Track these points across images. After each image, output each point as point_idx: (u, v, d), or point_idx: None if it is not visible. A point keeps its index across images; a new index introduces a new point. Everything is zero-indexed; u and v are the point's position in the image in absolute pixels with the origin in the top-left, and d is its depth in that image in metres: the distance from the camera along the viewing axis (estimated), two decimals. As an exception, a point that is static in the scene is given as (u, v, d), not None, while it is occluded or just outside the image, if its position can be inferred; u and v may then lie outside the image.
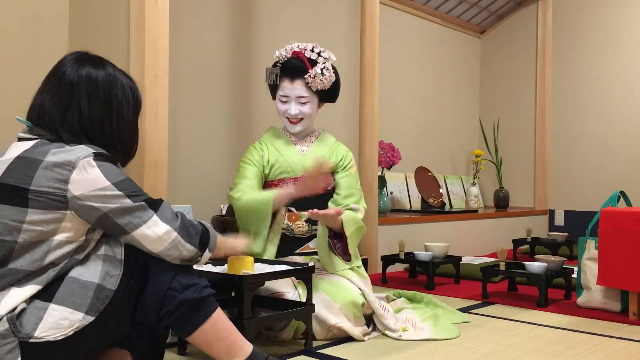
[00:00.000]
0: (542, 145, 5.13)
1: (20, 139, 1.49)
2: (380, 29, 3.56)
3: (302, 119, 2.41)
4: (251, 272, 1.86)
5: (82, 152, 1.40)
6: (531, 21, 5.24)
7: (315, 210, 2.13)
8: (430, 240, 3.75)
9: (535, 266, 2.78)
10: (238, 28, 3.33)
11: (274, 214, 2.28)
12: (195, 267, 1.61)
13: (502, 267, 2.90)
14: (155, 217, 1.45)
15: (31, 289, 1.35)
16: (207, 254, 1.55)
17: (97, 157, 1.42)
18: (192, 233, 1.50)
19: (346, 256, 2.32)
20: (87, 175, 1.39)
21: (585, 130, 4.93)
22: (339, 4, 3.98)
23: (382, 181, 4.03)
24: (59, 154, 1.40)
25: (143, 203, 1.44)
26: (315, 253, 2.38)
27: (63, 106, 1.47)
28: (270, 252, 2.28)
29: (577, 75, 4.99)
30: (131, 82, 1.60)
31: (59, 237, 1.38)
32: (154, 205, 1.46)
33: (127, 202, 1.42)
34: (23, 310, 1.33)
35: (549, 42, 5.13)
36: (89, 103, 1.49)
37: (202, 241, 1.52)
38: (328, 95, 2.45)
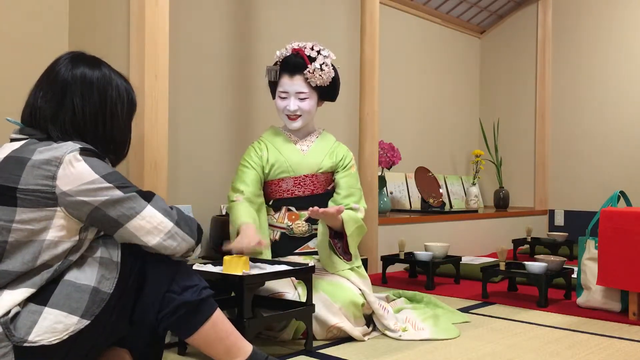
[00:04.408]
0: (542, 145, 5.13)
1: (12, 140, 1.48)
2: (380, 29, 3.56)
3: (300, 115, 2.41)
4: (251, 272, 1.86)
5: (68, 148, 1.39)
6: (531, 21, 5.24)
7: (315, 208, 2.13)
8: (430, 240, 3.75)
9: (535, 266, 2.78)
10: (238, 28, 3.33)
11: None
12: (195, 267, 1.61)
13: (502, 267, 2.90)
14: (149, 207, 1.43)
15: (24, 291, 1.34)
16: (198, 249, 1.55)
17: (83, 151, 1.41)
18: (190, 224, 1.50)
19: (347, 256, 2.32)
20: (74, 169, 1.38)
21: (585, 130, 4.94)
22: (338, 4, 3.98)
23: (382, 181, 4.03)
24: (46, 151, 1.39)
25: (134, 193, 1.43)
26: (315, 253, 2.38)
27: (56, 104, 1.47)
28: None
29: (577, 75, 4.99)
30: (126, 83, 1.59)
31: (51, 236, 1.37)
32: (146, 196, 1.45)
33: (118, 193, 1.40)
34: (17, 314, 1.31)
35: (549, 42, 5.13)
36: (82, 102, 1.48)
37: (199, 234, 1.53)
38: (327, 92, 2.44)
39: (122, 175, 1.45)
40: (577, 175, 4.98)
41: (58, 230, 1.38)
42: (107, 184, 1.40)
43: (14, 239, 1.35)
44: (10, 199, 1.36)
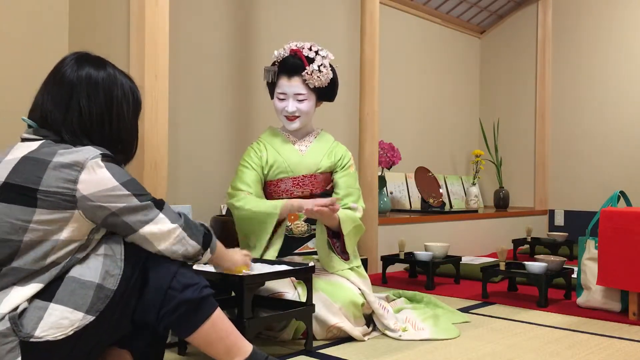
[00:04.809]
0: (542, 145, 5.13)
1: (23, 140, 1.49)
2: (380, 29, 3.56)
3: (299, 116, 2.40)
4: (251, 272, 1.86)
5: (90, 153, 1.43)
6: (531, 21, 5.24)
7: (309, 207, 2.13)
8: (430, 240, 3.75)
9: (535, 266, 2.78)
10: (238, 28, 3.33)
11: (279, 221, 2.29)
12: (195, 266, 1.62)
13: (502, 267, 2.90)
14: (161, 215, 1.49)
15: (34, 287, 1.36)
16: (207, 254, 1.59)
17: (105, 158, 1.45)
18: (195, 231, 1.55)
19: (344, 255, 2.32)
20: (96, 175, 1.41)
21: (585, 130, 4.94)
22: (338, 4, 3.98)
23: (382, 181, 4.03)
24: (66, 154, 1.42)
25: (149, 202, 1.48)
26: (315, 253, 2.38)
27: (64, 107, 1.49)
28: (271, 256, 2.28)
29: (577, 75, 4.99)
30: (131, 82, 1.61)
31: (63, 236, 1.40)
32: (159, 204, 1.51)
33: (135, 201, 1.45)
34: (25, 309, 1.34)
35: (549, 42, 5.13)
36: (89, 103, 1.50)
37: (205, 240, 1.57)
38: (326, 93, 2.44)
39: (139, 183, 1.50)
40: (577, 175, 4.98)
41: (71, 231, 1.41)
42: (126, 192, 1.44)
43: (29, 239, 1.37)
44: (30, 199, 1.38)
